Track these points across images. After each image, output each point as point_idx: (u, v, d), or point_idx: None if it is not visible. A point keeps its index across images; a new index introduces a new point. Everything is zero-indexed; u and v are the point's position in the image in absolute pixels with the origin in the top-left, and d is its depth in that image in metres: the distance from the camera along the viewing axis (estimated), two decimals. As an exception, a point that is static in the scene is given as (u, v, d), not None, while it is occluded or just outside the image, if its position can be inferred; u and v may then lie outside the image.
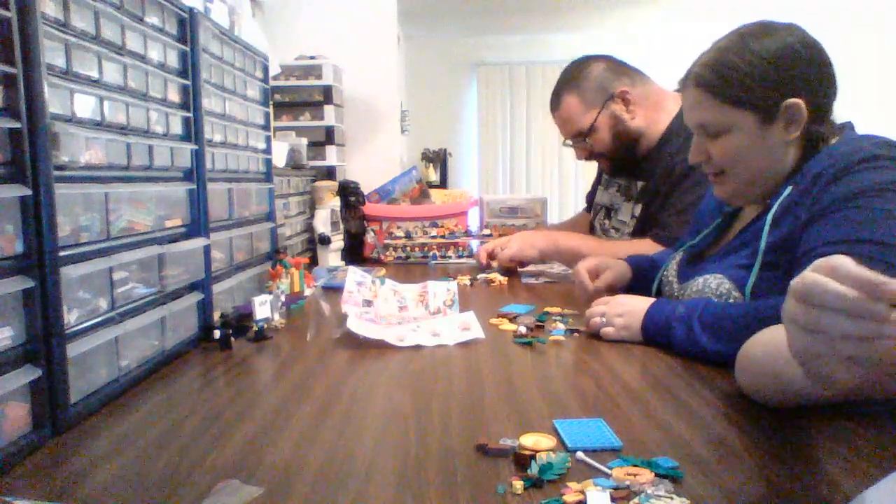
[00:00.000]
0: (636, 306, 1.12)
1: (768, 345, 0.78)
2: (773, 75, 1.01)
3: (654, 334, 1.07)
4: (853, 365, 0.53)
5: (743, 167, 1.07)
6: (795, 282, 0.51)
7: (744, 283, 1.02)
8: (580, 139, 1.76)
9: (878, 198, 0.91)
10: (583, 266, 1.37)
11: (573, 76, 1.75)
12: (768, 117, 1.03)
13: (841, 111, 1.08)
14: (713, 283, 1.06)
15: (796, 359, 0.56)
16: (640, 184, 1.75)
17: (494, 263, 1.85)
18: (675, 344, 1.03)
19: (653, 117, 1.71)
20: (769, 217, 1.02)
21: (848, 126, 1.08)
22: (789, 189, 1.02)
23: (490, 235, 2.15)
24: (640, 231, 1.72)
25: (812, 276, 0.50)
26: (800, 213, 0.98)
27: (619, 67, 1.74)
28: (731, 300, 1.03)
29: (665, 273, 1.29)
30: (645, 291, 1.28)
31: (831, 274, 0.49)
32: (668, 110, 1.71)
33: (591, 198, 2.11)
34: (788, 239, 0.98)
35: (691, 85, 1.08)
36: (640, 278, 1.37)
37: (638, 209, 1.74)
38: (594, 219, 1.96)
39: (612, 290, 1.34)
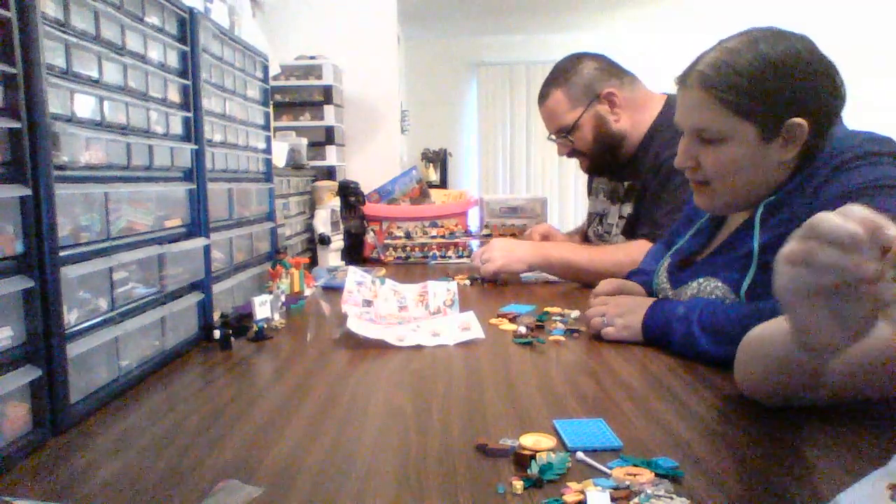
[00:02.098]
0: (637, 306, 1.11)
1: (762, 337, 0.78)
2: (782, 89, 0.96)
3: (655, 334, 1.07)
4: (838, 326, 0.54)
5: (731, 180, 1.03)
6: (804, 224, 0.53)
7: (738, 286, 1.01)
8: (562, 135, 1.77)
9: (876, 196, 0.91)
10: (601, 292, 1.26)
11: (563, 71, 1.75)
12: (770, 133, 0.98)
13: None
14: (708, 287, 1.06)
15: (779, 299, 0.57)
16: (626, 184, 1.75)
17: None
18: (674, 344, 1.03)
19: (637, 120, 1.72)
20: (757, 217, 1.01)
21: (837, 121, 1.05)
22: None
23: (490, 235, 2.15)
24: (629, 230, 1.72)
25: (821, 213, 0.52)
26: (795, 212, 0.96)
27: (610, 68, 1.75)
28: (728, 303, 1.02)
29: (657, 280, 1.28)
30: None
31: (840, 213, 0.50)
32: (651, 111, 1.72)
33: None
34: (782, 238, 0.97)
35: (695, 85, 1.02)
36: (651, 293, 1.33)
37: (626, 209, 1.75)
38: (588, 228, 1.97)
39: None
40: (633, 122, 1.72)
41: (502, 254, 1.70)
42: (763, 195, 1.04)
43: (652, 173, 1.64)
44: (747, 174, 1.02)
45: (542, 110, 1.81)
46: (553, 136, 1.81)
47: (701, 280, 1.08)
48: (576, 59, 1.77)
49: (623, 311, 1.12)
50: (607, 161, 1.78)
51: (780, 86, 0.96)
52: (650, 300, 1.12)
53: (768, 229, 0.99)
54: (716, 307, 0.99)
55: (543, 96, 1.79)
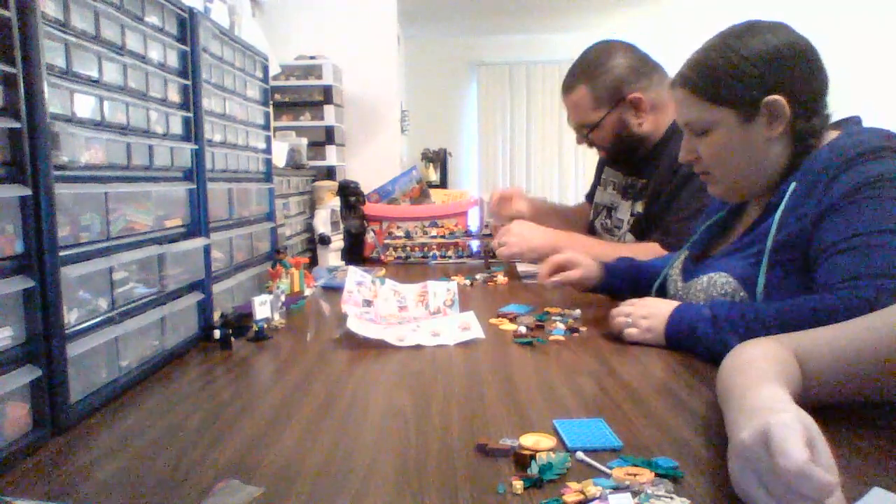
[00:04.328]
0: (661, 309, 1.09)
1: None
2: (752, 73, 1.03)
3: (678, 338, 1.05)
4: None
5: (727, 164, 1.09)
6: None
7: (749, 282, 1.02)
8: (583, 131, 1.74)
9: (888, 188, 0.92)
10: (554, 260, 1.41)
11: (592, 65, 1.69)
12: (749, 114, 1.04)
13: (847, 109, 1.08)
14: (719, 282, 1.06)
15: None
16: (641, 181, 1.75)
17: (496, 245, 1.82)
18: (703, 346, 1.00)
19: (660, 121, 1.70)
20: (777, 217, 1.01)
21: (853, 120, 1.09)
22: (793, 186, 1.02)
23: (490, 235, 2.14)
24: (638, 229, 1.72)
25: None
26: (807, 209, 0.98)
27: (640, 65, 1.69)
28: (738, 299, 1.03)
29: (670, 271, 1.28)
30: (624, 295, 1.29)
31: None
32: (671, 111, 1.69)
33: (591, 197, 2.11)
34: (796, 236, 0.98)
35: (678, 85, 1.11)
36: (616, 282, 1.40)
37: (637, 206, 1.74)
38: (595, 219, 1.95)
39: (578, 287, 1.42)
40: (655, 125, 1.70)
41: (518, 240, 1.73)
42: (767, 176, 1.07)
43: (668, 176, 1.62)
44: (740, 156, 1.08)
45: (565, 100, 1.76)
46: (573, 125, 1.79)
47: (712, 274, 1.08)
48: (607, 53, 1.69)
49: (647, 314, 1.10)
50: (626, 158, 1.77)
51: (747, 70, 1.03)
52: (674, 303, 1.10)
53: (781, 226, 1.00)
54: (742, 307, 0.98)
55: (568, 88, 1.73)
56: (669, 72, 1.15)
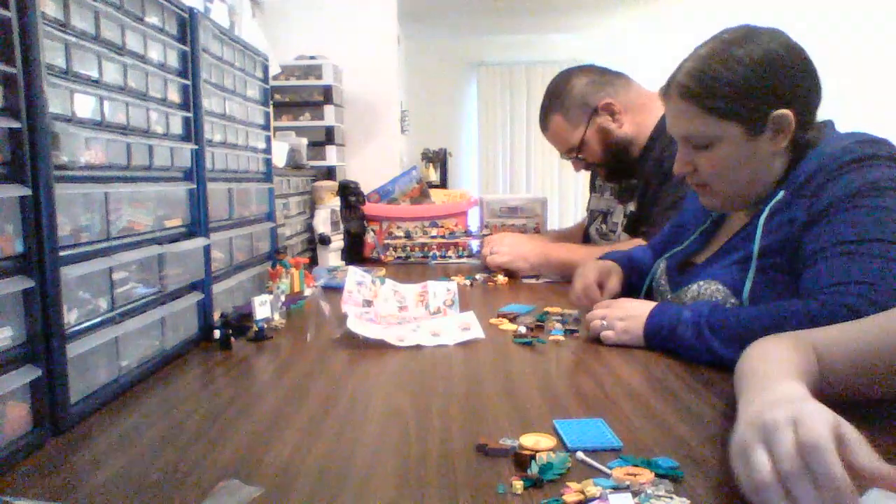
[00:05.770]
0: (638, 310, 1.09)
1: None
2: (759, 85, 0.99)
3: (657, 339, 1.05)
4: None
5: (730, 179, 1.06)
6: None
7: (738, 289, 1.01)
8: (573, 154, 1.79)
9: (878, 196, 0.92)
10: (591, 282, 1.25)
11: (556, 95, 1.77)
12: (756, 129, 1.01)
13: (838, 110, 1.08)
14: (708, 290, 1.05)
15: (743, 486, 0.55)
16: (633, 182, 1.76)
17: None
18: (684, 348, 1.00)
19: (640, 121, 1.73)
20: (761, 221, 1.01)
21: (829, 124, 1.07)
22: (781, 193, 1.01)
23: (490, 235, 2.15)
24: (632, 227, 1.73)
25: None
26: (795, 215, 0.97)
27: (600, 78, 1.75)
28: (728, 306, 1.02)
29: (655, 282, 1.28)
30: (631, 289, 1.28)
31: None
32: (654, 111, 1.72)
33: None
34: (783, 242, 0.98)
35: (675, 95, 1.05)
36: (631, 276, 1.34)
37: (631, 206, 1.76)
38: (590, 226, 1.97)
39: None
40: (636, 125, 1.73)
41: (510, 249, 1.80)
42: (764, 188, 1.05)
43: (654, 171, 1.65)
44: (744, 171, 1.04)
45: (547, 136, 1.83)
46: (565, 156, 1.84)
47: (701, 283, 1.07)
48: (565, 79, 1.77)
49: (623, 315, 1.10)
50: (623, 166, 1.78)
51: (755, 83, 0.99)
52: (651, 304, 1.10)
53: (768, 232, 1.00)
54: (724, 310, 0.98)
55: (544, 125, 1.81)
56: (665, 75, 1.13)
